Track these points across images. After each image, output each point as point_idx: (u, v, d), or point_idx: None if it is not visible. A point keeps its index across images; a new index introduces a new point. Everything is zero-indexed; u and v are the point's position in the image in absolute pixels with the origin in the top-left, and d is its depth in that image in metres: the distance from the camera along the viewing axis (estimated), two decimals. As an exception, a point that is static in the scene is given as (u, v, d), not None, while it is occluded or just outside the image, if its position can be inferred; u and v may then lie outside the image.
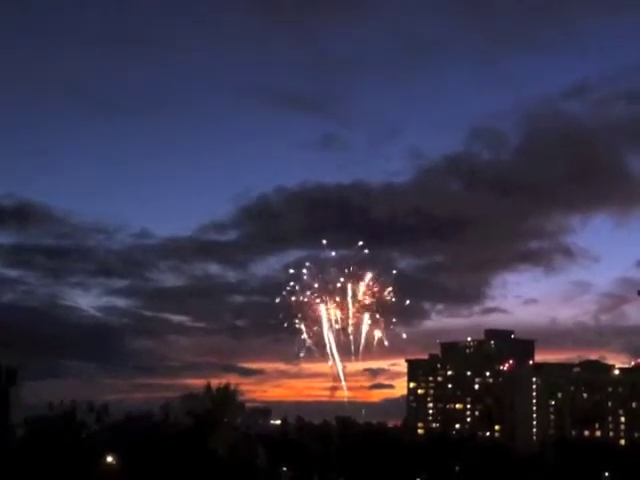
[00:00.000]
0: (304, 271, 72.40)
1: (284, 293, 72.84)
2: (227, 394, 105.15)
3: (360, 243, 73.88)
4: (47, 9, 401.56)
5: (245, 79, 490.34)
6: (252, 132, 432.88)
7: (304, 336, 70.60)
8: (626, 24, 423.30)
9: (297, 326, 71.22)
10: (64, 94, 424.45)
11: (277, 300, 79.85)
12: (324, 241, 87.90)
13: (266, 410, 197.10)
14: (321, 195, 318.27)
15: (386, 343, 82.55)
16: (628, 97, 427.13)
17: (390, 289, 72.76)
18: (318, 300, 70.97)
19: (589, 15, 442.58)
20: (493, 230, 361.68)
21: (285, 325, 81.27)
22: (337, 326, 72.59)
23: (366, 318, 73.08)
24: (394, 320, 69.84)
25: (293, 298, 71.75)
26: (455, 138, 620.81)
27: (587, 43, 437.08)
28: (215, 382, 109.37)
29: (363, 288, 72.72)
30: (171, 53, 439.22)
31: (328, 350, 72.32)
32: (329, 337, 70.50)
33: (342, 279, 72.31)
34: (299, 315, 71.33)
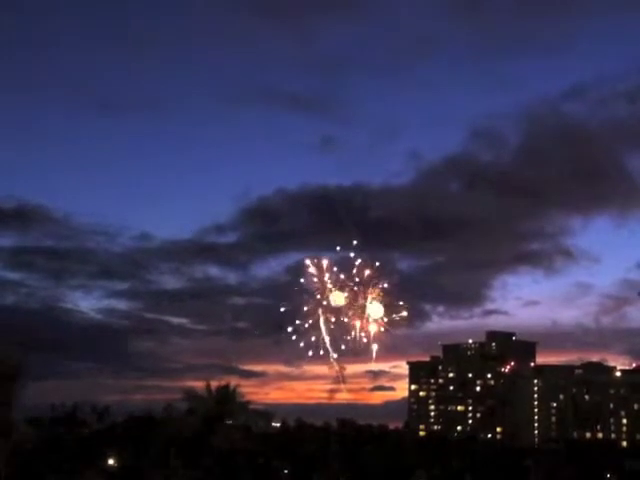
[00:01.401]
0: (304, 273, 72.54)
1: (284, 295, 72.91)
2: (227, 394, 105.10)
3: (354, 242, 73.82)
4: (47, 9, 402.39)
5: (245, 79, 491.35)
6: (252, 133, 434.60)
7: (304, 339, 70.73)
8: (626, 24, 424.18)
9: (298, 329, 71.30)
10: (64, 94, 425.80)
11: (277, 302, 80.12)
12: (324, 242, 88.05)
13: (269, 413, 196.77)
14: (321, 196, 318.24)
15: (387, 345, 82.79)
16: (628, 97, 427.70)
17: (391, 291, 72.79)
18: (319, 300, 71.09)
19: (589, 15, 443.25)
20: (493, 231, 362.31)
21: (286, 327, 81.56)
22: (337, 328, 72.73)
23: (366, 319, 73.13)
24: (395, 320, 69.91)
25: (293, 300, 71.89)
26: (455, 138, 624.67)
27: (587, 43, 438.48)
28: (215, 383, 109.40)
29: (363, 290, 72.79)
30: (171, 53, 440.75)
31: (328, 352, 72.40)
32: (329, 339, 70.69)
33: (342, 281, 72.38)
34: (299, 317, 71.41)
